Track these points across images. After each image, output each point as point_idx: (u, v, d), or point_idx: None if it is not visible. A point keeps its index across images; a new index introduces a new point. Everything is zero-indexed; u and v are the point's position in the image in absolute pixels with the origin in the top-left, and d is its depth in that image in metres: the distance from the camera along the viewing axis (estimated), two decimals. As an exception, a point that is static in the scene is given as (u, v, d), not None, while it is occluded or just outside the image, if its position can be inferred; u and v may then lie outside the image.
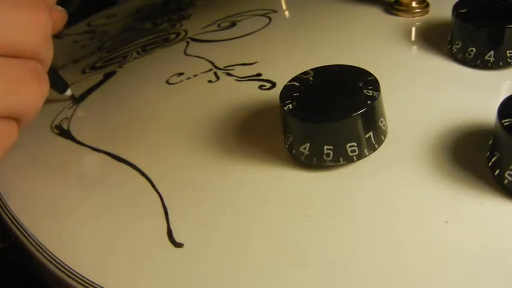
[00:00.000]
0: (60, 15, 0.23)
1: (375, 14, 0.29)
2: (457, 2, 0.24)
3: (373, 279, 0.16)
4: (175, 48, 0.31)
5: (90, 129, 0.26)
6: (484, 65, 0.23)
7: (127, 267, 0.18)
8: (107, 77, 0.30)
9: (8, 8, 0.18)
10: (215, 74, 0.27)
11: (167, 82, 0.28)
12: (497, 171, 0.18)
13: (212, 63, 0.28)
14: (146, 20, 0.38)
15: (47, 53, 0.21)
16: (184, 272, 0.17)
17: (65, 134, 0.25)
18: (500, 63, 0.23)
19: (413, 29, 0.28)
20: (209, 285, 0.17)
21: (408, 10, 0.28)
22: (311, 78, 0.21)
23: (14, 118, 0.20)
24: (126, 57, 0.32)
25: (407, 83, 0.24)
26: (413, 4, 0.28)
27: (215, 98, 0.25)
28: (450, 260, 0.16)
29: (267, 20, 0.32)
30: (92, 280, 0.18)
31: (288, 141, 0.20)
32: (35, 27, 0.19)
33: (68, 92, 0.28)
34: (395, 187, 0.19)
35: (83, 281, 0.18)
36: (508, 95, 0.18)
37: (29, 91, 0.20)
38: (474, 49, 0.23)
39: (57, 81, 0.27)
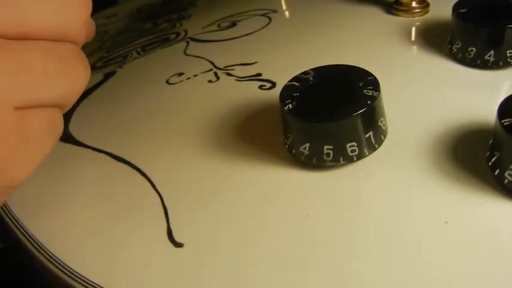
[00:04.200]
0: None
1: (375, 14, 0.30)
2: (457, 2, 0.24)
3: (374, 279, 0.16)
4: (175, 48, 0.31)
5: (90, 129, 0.26)
6: (484, 65, 0.23)
7: (127, 267, 0.18)
8: (107, 77, 0.30)
9: None
10: (215, 74, 0.27)
11: (167, 82, 0.28)
12: (497, 171, 0.18)
13: (212, 63, 0.28)
14: (146, 20, 0.38)
15: (84, 38, 0.20)
16: (184, 272, 0.17)
17: (65, 134, 0.25)
18: (500, 63, 0.23)
19: (413, 29, 0.28)
20: (209, 285, 0.17)
21: (408, 10, 0.28)
22: (311, 78, 0.21)
23: (58, 105, 0.19)
24: (126, 57, 0.32)
25: (407, 83, 0.24)
26: (414, 4, 0.28)
27: (215, 98, 0.25)
28: (450, 260, 0.16)
29: (267, 20, 0.32)
30: (92, 280, 0.18)
31: (288, 141, 0.20)
32: (80, 9, 0.18)
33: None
34: (396, 187, 0.19)
35: (83, 281, 0.18)
36: (508, 95, 0.18)
37: (77, 74, 0.19)
38: (474, 49, 0.23)
39: None
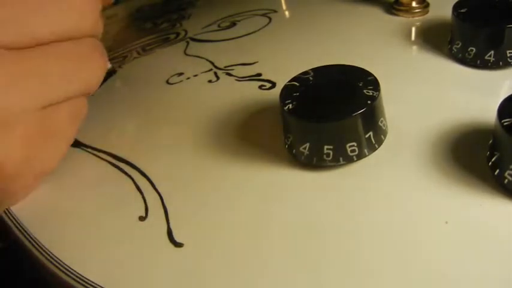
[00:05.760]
0: None
1: (375, 14, 0.30)
2: (457, 2, 0.24)
3: (373, 279, 0.16)
4: (175, 48, 0.31)
5: (90, 129, 0.26)
6: (484, 65, 0.23)
7: (127, 267, 0.18)
8: (107, 77, 0.30)
9: None
10: (215, 74, 0.27)
11: (167, 82, 0.28)
12: (497, 170, 0.18)
13: (212, 63, 0.28)
14: (146, 20, 0.38)
15: (100, 28, 0.22)
16: (184, 272, 0.17)
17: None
18: (500, 63, 0.23)
19: (413, 29, 0.28)
20: (209, 285, 0.17)
21: (408, 10, 0.29)
22: (311, 78, 0.21)
23: (82, 94, 0.21)
24: (126, 57, 0.32)
25: (407, 83, 0.24)
26: (414, 4, 0.28)
27: (215, 98, 0.25)
28: (450, 260, 0.16)
29: (267, 20, 0.32)
30: (92, 280, 0.18)
31: (288, 141, 0.20)
32: (89, 8, 0.20)
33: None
34: (395, 187, 0.19)
35: (83, 281, 0.18)
36: (508, 94, 0.18)
37: (95, 67, 0.21)
38: (474, 49, 0.23)
39: None
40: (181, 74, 0.28)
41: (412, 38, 0.27)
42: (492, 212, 0.17)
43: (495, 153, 0.18)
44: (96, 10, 0.21)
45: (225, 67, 0.28)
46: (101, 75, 0.21)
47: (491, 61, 0.23)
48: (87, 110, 0.22)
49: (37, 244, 0.20)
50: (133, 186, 0.21)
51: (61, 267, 0.19)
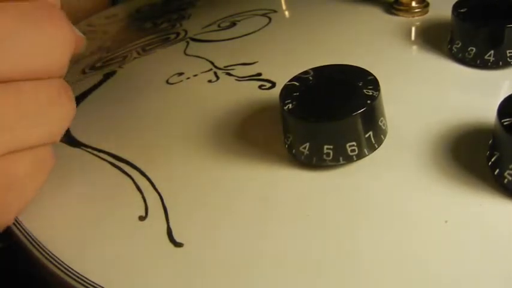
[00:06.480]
0: (79, 38, 0.21)
1: (375, 14, 0.30)
2: (457, 2, 0.24)
3: (373, 279, 0.16)
4: (175, 48, 0.31)
5: (90, 129, 0.26)
6: (484, 65, 0.23)
7: (127, 267, 0.18)
8: (107, 77, 0.30)
9: (34, 30, 0.17)
10: (215, 73, 0.27)
11: (167, 82, 0.28)
12: (497, 170, 0.18)
13: (212, 63, 0.28)
14: (146, 20, 0.38)
15: (66, 69, 0.20)
16: (184, 272, 0.17)
17: (65, 134, 0.25)
18: (500, 62, 0.23)
19: (413, 28, 0.28)
20: (209, 285, 0.17)
21: (408, 10, 0.29)
22: (311, 78, 0.21)
23: (47, 142, 0.19)
24: (126, 57, 0.32)
25: (407, 83, 0.24)
26: (413, 4, 0.28)
27: (215, 98, 0.25)
28: (450, 259, 0.16)
29: (267, 20, 0.32)
30: (92, 280, 0.18)
31: (287, 140, 0.20)
32: (62, 47, 0.18)
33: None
34: (395, 187, 0.19)
35: (83, 280, 0.18)
36: (508, 94, 0.18)
37: (61, 112, 0.19)
38: (474, 49, 0.23)
39: None
40: (181, 74, 0.28)
41: (412, 38, 0.27)
42: (492, 211, 0.17)
43: (495, 152, 0.18)
44: (69, 50, 0.19)
45: (225, 67, 0.28)
46: (68, 121, 0.19)
47: (491, 61, 0.23)
48: (53, 162, 0.20)
49: (37, 244, 0.20)
50: (134, 186, 0.21)
51: (61, 267, 0.19)
